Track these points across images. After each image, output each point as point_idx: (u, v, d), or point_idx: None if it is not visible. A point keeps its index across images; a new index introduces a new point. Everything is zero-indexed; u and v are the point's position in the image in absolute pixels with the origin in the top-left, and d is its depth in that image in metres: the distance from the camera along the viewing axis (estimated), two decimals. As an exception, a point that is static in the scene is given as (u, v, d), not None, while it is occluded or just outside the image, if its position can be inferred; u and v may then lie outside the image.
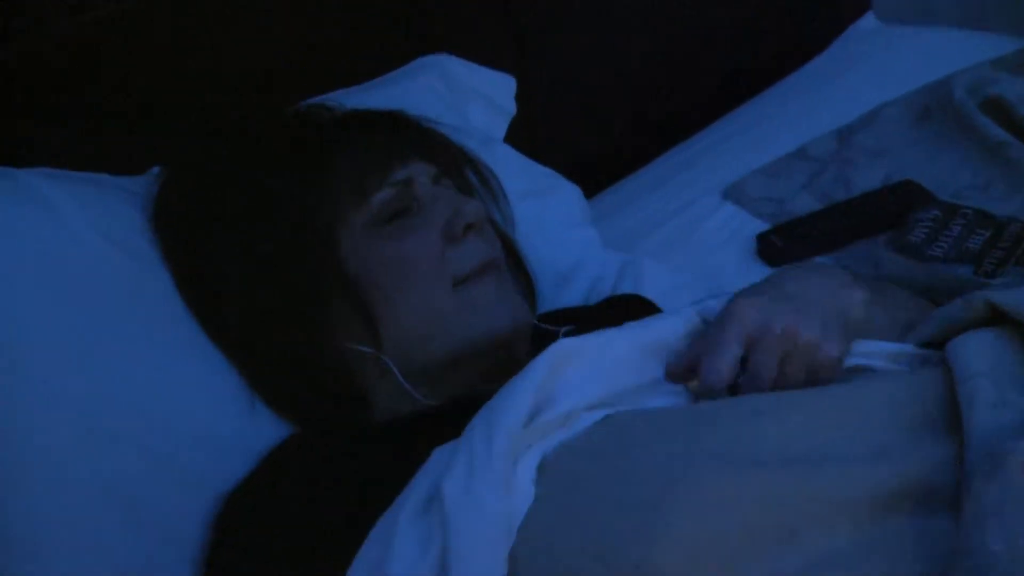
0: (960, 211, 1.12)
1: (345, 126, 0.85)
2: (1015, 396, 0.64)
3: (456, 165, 0.89)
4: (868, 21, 1.74)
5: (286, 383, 0.81)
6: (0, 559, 0.68)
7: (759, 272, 1.13)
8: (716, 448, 0.63)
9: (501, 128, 1.15)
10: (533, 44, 1.25)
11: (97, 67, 0.92)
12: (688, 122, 1.46)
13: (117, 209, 0.83)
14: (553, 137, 1.26)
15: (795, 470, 0.62)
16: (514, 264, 0.93)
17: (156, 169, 0.92)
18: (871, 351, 0.74)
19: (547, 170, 1.11)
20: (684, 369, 0.68)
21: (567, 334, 0.82)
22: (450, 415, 0.71)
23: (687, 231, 1.24)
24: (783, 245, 1.17)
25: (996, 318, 0.72)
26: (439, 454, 0.66)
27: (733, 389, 0.69)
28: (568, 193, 1.10)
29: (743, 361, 0.68)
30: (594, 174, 1.29)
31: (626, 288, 1.02)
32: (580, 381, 0.67)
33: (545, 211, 1.03)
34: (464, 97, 1.09)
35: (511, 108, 1.17)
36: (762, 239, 1.19)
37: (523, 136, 1.18)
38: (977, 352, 0.68)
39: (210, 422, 0.78)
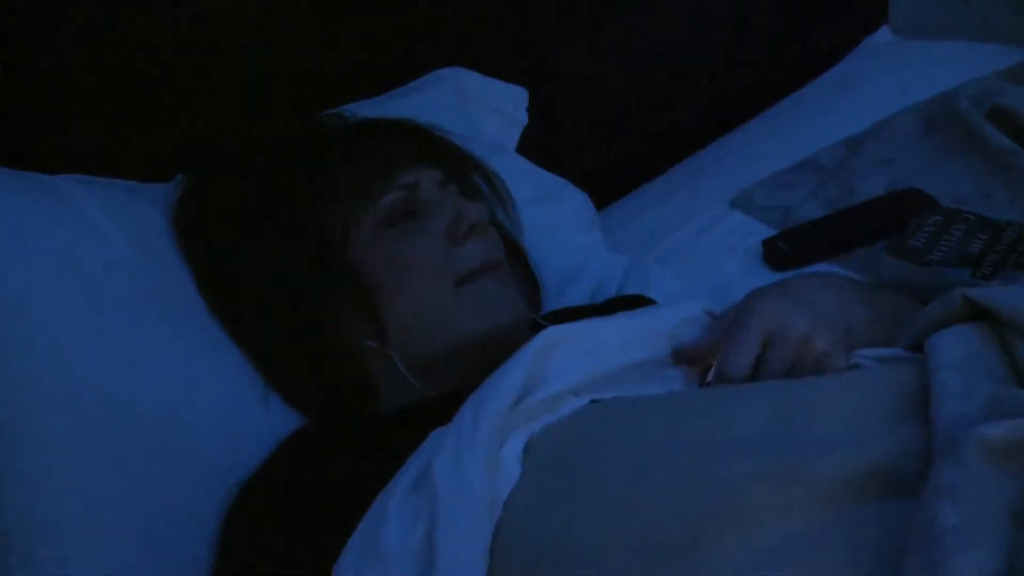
0: (962, 216, 1.14)
1: (355, 133, 0.90)
2: (983, 385, 0.67)
3: (462, 170, 0.94)
4: (883, 35, 1.77)
5: (297, 376, 0.86)
6: (29, 540, 0.73)
7: (765, 277, 1.16)
8: (695, 437, 0.66)
9: (513, 138, 1.20)
10: (546, 59, 1.29)
11: (124, 82, 0.97)
12: (700, 135, 1.49)
13: (142, 213, 0.88)
14: (563, 150, 1.30)
15: (771, 455, 0.64)
16: (520, 265, 0.97)
17: (180, 177, 0.97)
18: (862, 354, 0.77)
19: (555, 177, 1.15)
20: (699, 355, 0.72)
21: None
22: (450, 406, 0.75)
23: (694, 238, 1.27)
24: (789, 250, 1.20)
25: (975, 314, 0.75)
26: (433, 436, 0.70)
27: None
28: (575, 199, 1.15)
29: None
30: (604, 186, 1.33)
31: (632, 290, 1.06)
32: (567, 365, 0.71)
33: (552, 216, 1.07)
34: (476, 108, 1.14)
35: (523, 119, 1.21)
36: (768, 244, 1.22)
37: (533, 148, 1.22)
38: (950, 345, 0.71)
39: (226, 413, 0.83)
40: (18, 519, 0.73)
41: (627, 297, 1.03)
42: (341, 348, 0.85)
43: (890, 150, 1.32)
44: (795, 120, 1.51)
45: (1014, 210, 1.17)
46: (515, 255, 0.97)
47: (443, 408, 0.79)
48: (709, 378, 0.76)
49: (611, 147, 1.39)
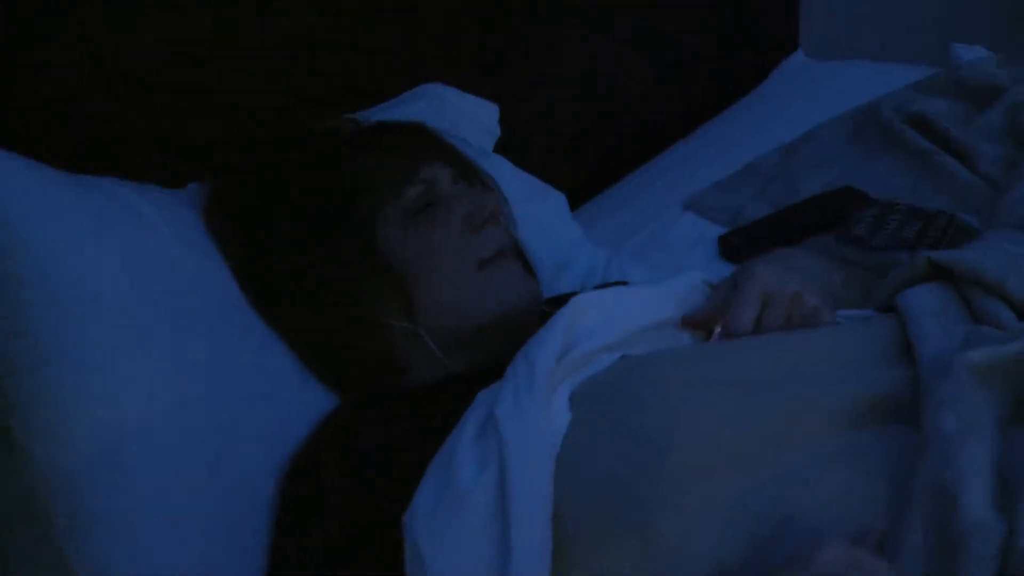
0: (895, 207, 1.28)
1: (378, 132, 0.98)
2: (956, 326, 0.78)
3: (467, 168, 1.02)
4: (798, 57, 1.94)
5: (333, 357, 0.92)
6: (111, 505, 0.77)
7: (723, 270, 1.28)
8: (722, 376, 0.76)
9: (488, 147, 1.29)
10: (512, 84, 1.40)
11: (151, 97, 1.03)
12: (648, 147, 1.62)
13: (179, 212, 0.93)
14: (531, 159, 1.40)
15: (783, 389, 0.74)
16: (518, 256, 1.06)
17: (193, 185, 1.03)
18: (841, 314, 0.88)
19: (536, 179, 1.25)
20: (705, 319, 0.82)
21: None
22: (473, 379, 0.83)
23: (656, 238, 1.39)
24: (742, 244, 1.32)
25: (934, 274, 0.87)
26: (483, 395, 0.78)
27: None
28: (557, 199, 1.24)
29: None
30: (568, 192, 1.43)
31: (614, 278, 1.15)
32: (598, 326, 0.80)
33: (539, 213, 1.16)
34: (458, 118, 1.23)
35: (496, 130, 1.30)
36: (723, 240, 1.33)
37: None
38: (922, 298, 0.82)
39: (270, 394, 0.88)
40: (97, 493, 0.78)
41: (613, 284, 1.13)
42: (374, 329, 0.92)
43: (823, 154, 1.47)
44: (730, 133, 1.65)
45: (937, 201, 1.32)
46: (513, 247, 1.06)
47: (467, 381, 0.86)
48: (714, 338, 0.86)
49: (571, 157, 1.50)
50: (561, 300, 1.06)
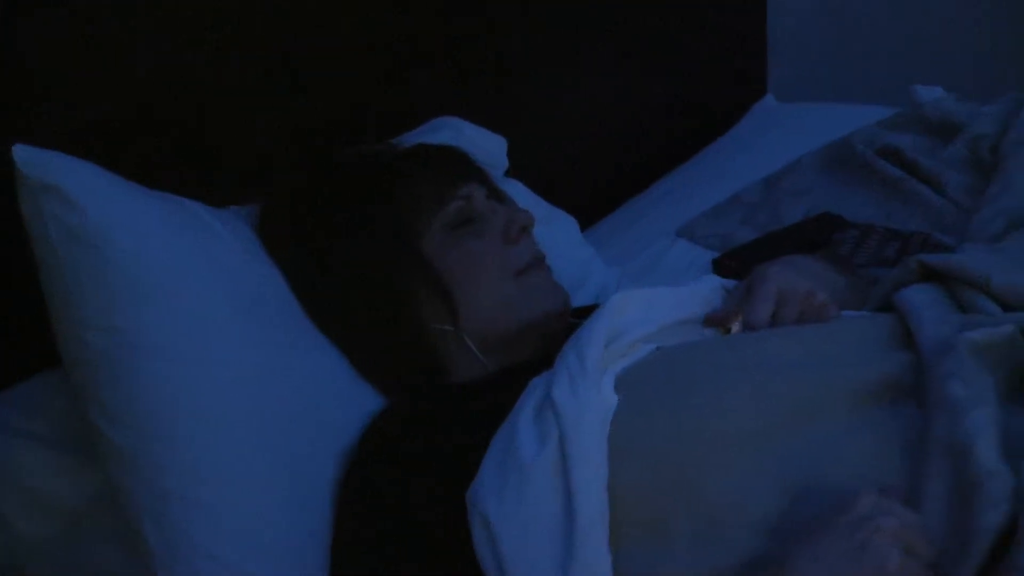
0: (873, 230, 1.40)
1: (420, 153, 1.07)
2: (951, 316, 0.88)
3: (495, 189, 1.11)
4: (769, 101, 2.07)
5: (381, 359, 1.00)
6: (192, 488, 0.84)
7: (718, 289, 1.37)
8: (751, 360, 0.85)
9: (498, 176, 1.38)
10: (516, 118, 1.50)
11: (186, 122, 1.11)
12: (637, 180, 1.73)
13: (238, 227, 1.01)
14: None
15: (808, 371, 0.83)
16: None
17: (233, 208, 1.10)
18: (844, 314, 0.98)
19: (547, 203, 1.34)
20: (724, 318, 0.92)
21: None
22: (511, 376, 0.91)
23: (653, 262, 1.49)
24: (735, 265, 1.42)
25: (924, 276, 0.97)
26: (537, 381, 0.86)
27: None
28: (568, 221, 1.34)
29: None
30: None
31: (625, 293, 1.25)
32: (636, 321, 0.89)
33: (554, 234, 1.25)
34: (472, 149, 1.31)
35: (504, 162, 1.40)
36: (717, 262, 1.43)
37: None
38: (918, 295, 0.92)
39: (329, 389, 0.95)
40: (179, 478, 0.84)
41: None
42: (420, 333, 1.00)
43: (803, 185, 1.58)
44: (713, 168, 1.77)
45: (912, 224, 1.43)
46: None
47: (505, 379, 0.94)
48: (734, 332, 0.95)
49: (569, 190, 1.60)
50: (583, 311, 1.15)
